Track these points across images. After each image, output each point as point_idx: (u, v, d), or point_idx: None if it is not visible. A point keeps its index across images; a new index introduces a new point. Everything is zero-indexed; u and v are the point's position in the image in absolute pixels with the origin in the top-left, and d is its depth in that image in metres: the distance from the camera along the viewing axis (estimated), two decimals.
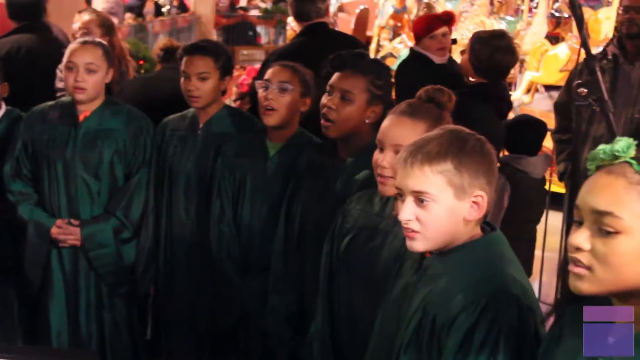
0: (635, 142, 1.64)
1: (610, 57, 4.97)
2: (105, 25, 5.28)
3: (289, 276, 3.50)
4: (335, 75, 3.26)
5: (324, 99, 3.27)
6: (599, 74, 3.01)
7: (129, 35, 8.96)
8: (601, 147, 1.66)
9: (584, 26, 3.12)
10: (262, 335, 3.62)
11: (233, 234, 3.84)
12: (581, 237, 1.65)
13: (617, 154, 1.63)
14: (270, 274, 3.56)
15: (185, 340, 4.11)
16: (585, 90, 3.17)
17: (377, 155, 2.64)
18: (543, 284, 5.87)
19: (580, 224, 1.68)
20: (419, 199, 2.12)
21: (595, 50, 4.90)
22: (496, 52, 4.82)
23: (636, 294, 1.65)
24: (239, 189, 3.83)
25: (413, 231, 2.13)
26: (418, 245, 2.15)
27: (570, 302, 1.88)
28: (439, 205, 2.11)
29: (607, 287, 1.65)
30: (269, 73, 3.73)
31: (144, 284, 4.21)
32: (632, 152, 1.63)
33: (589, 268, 1.65)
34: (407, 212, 2.13)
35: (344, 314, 2.86)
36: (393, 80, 5.65)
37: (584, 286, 1.67)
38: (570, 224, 1.85)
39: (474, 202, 2.12)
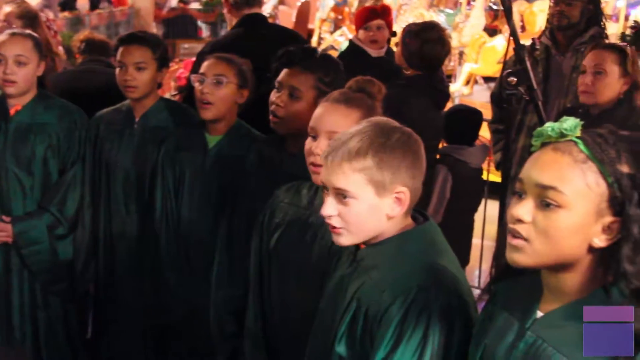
0: (582, 123, 1.68)
1: (538, 47, 5.05)
2: (26, 17, 5.17)
3: (234, 271, 3.46)
4: (284, 72, 3.23)
5: (273, 96, 3.25)
6: (527, 63, 3.05)
7: (65, 28, 8.82)
8: (549, 124, 1.71)
9: (512, 16, 3.16)
10: (208, 331, 3.56)
11: (176, 229, 3.82)
12: (523, 209, 1.69)
13: (564, 132, 1.67)
14: (215, 269, 3.52)
15: (128, 338, 4.08)
16: (515, 79, 3.20)
17: (309, 143, 2.62)
18: (482, 271, 5.95)
19: (520, 196, 1.72)
20: (341, 195, 2.13)
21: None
22: (426, 44, 4.86)
23: (567, 267, 1.70)
24: (178, 184, 3.82)
25: (336, 228, 2.15)
26: (343, 240, 2.17)
27: (501, 279, 1.93)
28: (360, 203, 2.12)
29: (542, 259, 1.70)
30: (204, 66, 3.71)
31: (83, 281, 4.17)
32: (578, 132, 1.67)
33: (526, 240, 1.69)
34: (328, 208, 2.15)
35: (276, 309, 2.86)
36: None
37: (521, 258, 1.71)
38: (503, 212, 1.87)
39: (396, 197, 2.13)
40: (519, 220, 1.70)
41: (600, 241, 1.66)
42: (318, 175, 2.52)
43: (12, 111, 3.97)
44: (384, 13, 5.87)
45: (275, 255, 2.84)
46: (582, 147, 1.65)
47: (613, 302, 1.64)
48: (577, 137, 1.66)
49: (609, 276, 1.66)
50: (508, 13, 3.16)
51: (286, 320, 2.73)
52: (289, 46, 3.34)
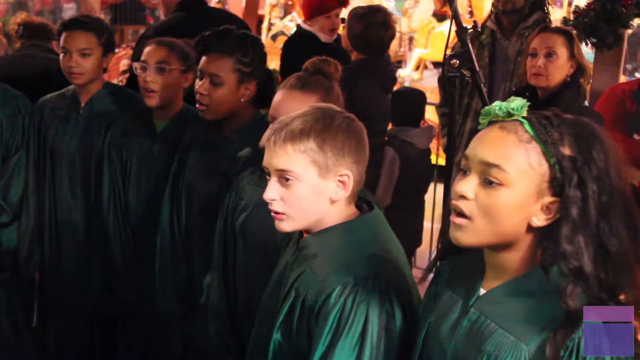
0: (528, 104, 1.71)
1: (481, 30, 5.10)
2: None
3: (177, 255, 3.49)
4: (203, 60, 3.25)
5: (196, 84, 3.27)
6: (470, 45, 3.07)
7: (6, 13, 8.70)
8: (497, 103, 1.73)
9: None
10: (155, 317, 3.59)
11: (124, 216, 3.82)
12: (467, 186, 1.71)
13: (511, 111, 1.70)
14: (158, 254, 3.54)
15: (75, 326, 4.07)
16: (458, 61, 3.22)
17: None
18: (432, 254, 5.97)
19: (465, 172, 1.74)
20: (284, 177, 2.13)
21: None
22: (369, 27, 4.95)
23: (507, 245, 1.73)
24: (125, 170, 3.80)
25: (277, 213, 2.15)
26: (284, 225, 2.17)
27: (445, 257, 1.97)
28: (303, 185, 2.12)
29: (484, 237, 1.72)
30: (145, 53, 3.68)
31: (28, 269, 4.13)
32: (525, 112, 1.69)
33: (469, 218, 1.71)
34: (271, 191, 2.14)
35: (241, 287, 2.88)
36: (281, 54, 5.73)
37: (464, 237, 1.74)
38: (448, 193, 1.89)
39: (339, 181, 2.13)
40: (462, 197, 1.72)
41: (539, 220, 1.68)
42: None
43: None
44: (345, 1, 5.86)
45: (241, 235, 2.86)
46: (527, 127, 1.67)
47: (552, 280, 1.66)
48: (523, 117, 1.69)
49: (547, 255, 1.68)
50: None
51: (251, 300, 2.72)
52: (204, 32, 3.34)
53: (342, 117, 2.17)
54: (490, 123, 1.74)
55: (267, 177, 2.19)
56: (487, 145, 1.71)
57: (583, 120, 1.72)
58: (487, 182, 1.68)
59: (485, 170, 1.68)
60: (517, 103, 1.70)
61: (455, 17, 3.11)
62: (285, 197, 2.13)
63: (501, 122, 1.71)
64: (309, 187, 2.12)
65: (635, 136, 4.38)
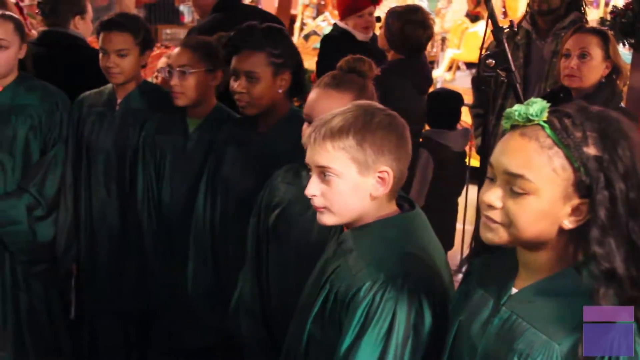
0: (549, 105, 1.68)
1: (517, 30, 5.09)
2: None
3: (210, 251, 3.51)
4: (235, 59, 3.30)
5: (232, 84, 3.31)
6: (505, 45, 3.08)
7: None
8: (517, 107, 1.71)
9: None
10: (187, 313, 3.61)
11: (158, 213, 3.84)
12: (493, 196, 1.71)
13: (530, 117, 1.67)
14: (191, 250, 3.56)
15: (110, 320, 4.10)
16: (493, 61, 3.23)
17: (306, 129, 2.64)
18: (464, 255, 5.97)
19: (492, 180, 1.74)
20: (324, 174, 2.15)
21: None
22: (407, 25, 4.94)
23: (539, 245, 1.73)
24: (160, 167, 3.82)
25: (318, 207, 2.18)
26: (325, 219, 2.20)
27: (478, 255, 1.97)
28: (343, 181, 2.14)
29: (515, 239, 1.72)
30: (171, 56, 3.75)
31: (65, 262, 4.15)
32: (545, 116, 1.67)
33: (500, 224, 1.71)
34: (312, 187, 2.17)
35: (274, 284, 2.90)
36: (319, 52, 5.75)
37: (496, 238, 1.74)
38: None
39: (379, 177, 2.15)
40: (491, 206, 1.72)
41: (570, 223, 1.68)
42: None
43: None
44: (376, 1, 5.93)
45: (274, 232, 2.88)
46: (548, 131, 1.66)
47: (585, 281, 1.66)
48: (544, 121, 1.67)
49: (580, 254, 1.69)
50: None
51: (283, 297, 2.75)
52: (231, 33, 3.39)
53: (383, 114, 2.19)
54: (513, 127, 1.73)
55: (310, 173, 2.21)
56: (510, 155, 1.70)
57: (609, 114, 1.70)
58: (513, 192, 1.68)
59: (510, 180, 1.68)
60: (536, 107, 1.68)
61: (492, 16, 3.12)
62: (325, 193, 2.16)
63: (522, 127, 1.70)
64: (349, 184, 2.14)
65: None
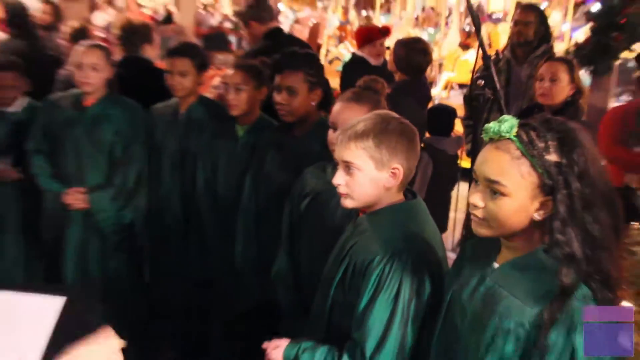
0: (519, 121, 1.71)
1: (501, 58, 5.10)
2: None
3: (253, 232, 3.51)
4: (278, 77, 3.33)
5: (275, 97, 3.33)
6: (492, 69, 3.09)
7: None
8: (492, 124, 1.73)
9: (481, 32, 3.19)
10: (236, 280, 3.63)
11: (214, 203, 3.85)
12: (476, 198, 1.76)
13: (502, 133, 1.70)
14: (238, 231, 3.57)
15: (174, 285, 4.12)
16: (483, 82, 3.26)
17: (331, 134, 2.69)
18: (455, 238, 5.96)
19: (477, 182, 1.77)
20: (348, 167, 2.19)
21: None
22: (411, 52, 4.97)
23: (517, 233, 1.75)
24: (215, 165, 3.84)
25: (342, 193, 2.22)
26: (348, 203, 2.24)
27: (469, 238, 1.98)
28: (363, 174, 2.18)
29: (497, 232, 1.76)
30: (228, 75, 3.77)
31: (141, 239, 4.18)
32: (515, 131, 1.69)
33: (484, 219, 1.75)
34: (338, 178, 2.22)
35: (304, 258, 2.90)
36: (341, 75, 5.76)
37: (482, 231, 1.78)
38: None
39: (392, 172, 2.18)
40: (475, 206, 1.76)
41: (539, 215, 1.71)
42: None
43: (87, 103, 3.99)
44: (386, 33, 5.98)
45: (305, 217, 2.89)
46: (517, 144, 1.68)
47: (551, 260, 1.68)
48: (515, 136, 1.70)
49: (546, 238, 1.71)
50: (478, 29, 3.19)
51: (311, 265, 2.75)
52: (277, 56, 3.43)
53: (397, 122, 2.22)
54: (490, 140, 1.75)
55: (334, 168, 2.25)
56: (488, 165, 1.73)
57: (568, 125, 1.72)
58: (492, 193, 1.72)
59: (490, 185, 1.72)
60: (507, 125, 1.71)
61: (482, 46, 3.12)
62: (348, 183, 2.20)
63: (497, 140, 1.73)
64: (367, 176, 2.18)
65: (635, 149, 4.35)
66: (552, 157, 1.67)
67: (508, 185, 1.69)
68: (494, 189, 1.72)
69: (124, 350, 4.10)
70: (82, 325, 1.58)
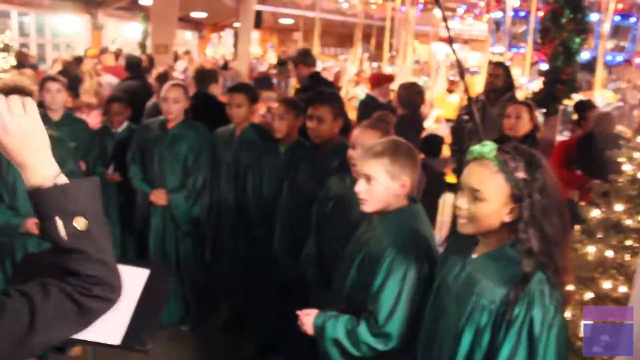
0: (497, 147, 1.71)
1: (478, 101, 5.09)
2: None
3: (287, 226, 3.50)
4: (311, 108, 3.34)
5: (308, 124, 3.34)
6: (474, 108, 3.09)
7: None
8: (476, 147, 1.73)
9: (465, 79, 3.19)
10: (275, 261, 3.61)
11: (260, 204, 3.84)
12: (462, 201, 1.74)
13: (484, 153, 1.70)
14: (277, 224, 3.57)
15: (230, 265, 4.12)
16: (467, 117, 3.26)
17: (350, 152, 2.67)
18: (441, 236, 5.88)
19: (462, 191, 1.76)
20: (367, 179, 2.17)
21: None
22: (411, 93, 5.02)
23: (491, 233, 1.74)
24: (262, 176, 3.84)
25: (363, 199, 2.19)
26: (366, 207, 2.21)
27: (452, 235, 1.97)
28: (379, 184, 2.16)
29: (476, 229, 1.75)
30: (274, 107, 3.77)
31: (204, 228, 4.19)
32: (493, 153, 1.69)
33: (467, 219, 1.74)
34: (360, 186, 2.19)
35: (327, 245, 2.89)
36: (357, 109, 5.77)
37: (464, 229, 1.76)
38: None
39: (402, 184, 2.16)
40: (460, 208, 1.75)
41: (508, 218, 1.70)
42: (355, 168, 2.55)
43: (169, 126, 4.03)
44: (391, 79, 6.13)
45: (329, 215, 2.88)
46: (495, 162, 1.68)
47: (516, 253, 1.68)
48: (494, 156, 1.69)
49: (513, 236, 1.70)
50: (462, 76, 3.20)
51: (333, 252, 2.75)
52: (312, 93, 3.47)
53: (406, 145, 2.21)
54: (474, 159, 1.74)
55: (353, 177, 2.24)
56: (471, 177, 1.72)
57: (532, 151, 1.72)
58: (474, 199, 1.71)
59: (472, 192, 1.71)
60: (488, 148, 1.71)
61: (467, 91, 3.14)
62: (368, 191, 2.17)
63: (479, 159, 1.72)
64: (383, 186, 2.16)
65: (577, 172, 4.36)
66: (520, 174, 1.67)
67: (486, 192, 1.68)
68: (475, 196, 1.71)
69: (189, 310, 4.10)
70: (161, 290, 1.58)
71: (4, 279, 3.35)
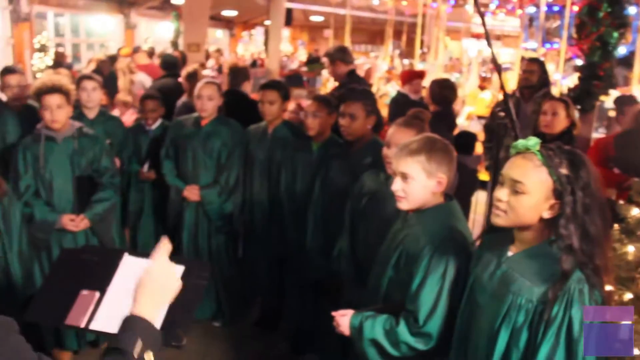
0: (540, 141, 1.70)
1: (513, 97, 5.04)
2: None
3: (320, 222, 3.50)
4: (343, 105, 3.32)
5: (340, 121, 3.33)
6: (511, 104, 3.04)
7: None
8: (520, 141, 1.73)
9: (502, 75, 3.15)
10: (307, 258, 3.59)
11: (293, 200, 3.83)
12: (502, 193, 1.73)
13: (529, 147, 1.70)
14: (310, 221, 3.55)
15: (262, 260, 4.14)
16: (503, 113, 3.20)
17: (385, 150, 2.65)
18: (474, 233, 5.81)
19: (502, 184, 1.74)
20: (404, 177, 2.15)
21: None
22: (444, 89, 4.97)
23: (527, 227, 1.73)
24: (294, 172, 3.83)
25: (399, 197, 2.17)
26: (403, 205, 2.19)
27: (488, 232, 1.94)
28: (416, 182, 2.14)
29: (512, 223, 1.73)
30: (308, 105, 3.76)
31: (237, 224, 4.20)
32: (538, 147, 1.69)
33: (504, 212, 1.72)
34: (396, 185, 2.17)
35: (361, 241, 2.88)
36: (389, 107, 5.76)
37: (499, 221, 1.75)
38: (491, 195, 1.91)
39: (438, 181, 2.14)
40: (499, 200, 1.73)
41: (547, 214, 1.68)
42: (390, 166, 2.55)
43: (202, 124, 4.05)
44: (422, 76, 6.05)
45: (363, 211, 2.86)
46: (539, 157, 1.67)
47: (554, 251, 1.66)
48: (537, 150, 1.68)
49: (551, 234, 1.68)
50: (499, 73, 3.16)
51: (367, 250, 2.73)
52: (345, 90, 3.42)
53: (442, 142, 2.18)
54: (517, 153, 1.73)
55: (394, 175, 2.22)
56: (514, 169, 1.71)
57: (575, 150, 1.71)
58: (515, 191, 1.69)
59: (513, 184, 1.69)
60: (533, 142, 1.70)
61: (503, 87, 3.09)
62: (404, 189, 2.15)
63: (523, 153, 1.71)
64: (419, 184, 2.14)
65: (615, 170, 4.28)
66: (564, 170, 1.65)
67: (528, 185, 1.67)
68: (516, 188, 1.69)
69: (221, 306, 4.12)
70: (197, 286, 1.59)
71: (41, 274, 3.43)
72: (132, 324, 1.33)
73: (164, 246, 1.48)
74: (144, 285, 1.40)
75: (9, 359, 1.04)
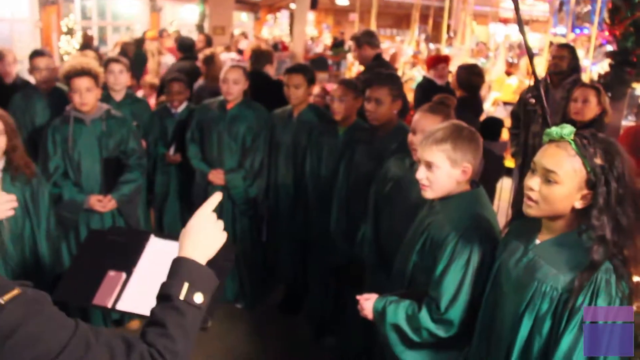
0: (574, 130, 1.68)
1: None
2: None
3: (344, 206, 3.50)
4: (369, 90, 3.28)
5: (366, 105, 3.29)
6: (542, 90, 3.00)
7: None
8: (554, 129, 1.70)
9: (534, 61, 3.11)
10: (330, 242, 3.60)
11: (318, 184, 3.83)
12: (534, 182, 1.71)
13: (563, 135, 1.67)
14: (334, 205, 3.55)
15: (286, 244, 4.17)
16: (534, 100, 3.16)
17: (411, 137, 2.63)
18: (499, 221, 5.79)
19: (534, 172, 1.73)
20: (429, 165, 2.14)
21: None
22: (470, 75, 4.91)
23: (558, 217, 1.72)
24: (320, 156, 3.83)
25: (424, 185, 2.16)
26: (427, 194, 2.18)
27: (515, 219, 1.93)
28: (441, 171, 2.12)
29: (544, 213, 1.72)
30: (334, 89, 3.74)
31: (261, 208, 4.22)
32: (572, 136, 1.66)
33: (536, 202, 1.70)
34: (420, 173, 2.16)
35: (385, 227, 2.88)
36: (414, 92, 5.71)
37: (531, 211, 1.73)
38: (521, 182, 1.89)
39: (463, 170, 2.12)
40: (531, 189, 1.71)
41: (579, 204, 1.67)
42: (415, 153, 2.53)
43: (228, 107, 4.05)
44: (447, 60, 5.94)
45: (387, 197, 2.85)
46: (573, 146, 1.65)
47: (583, 241, 1.65)
48: (572, 140, 1.66)
49: (582, 225, 1.67)
50: (531, 58, 3.10)
51: (391, 234, 2.74)
52: (370, 74, 3.35)
53: (468, 130, 2.16)
54: (550, 140, 1.71)
55: (411, 160, 2.21)
56: (547, 158, 1.68)
57: (610, 139, 1.68)
58: (547, 181, 1.67)
59: (546, 173, 1.68)
60: (567, 130, 1.67)
61: (534, 72, 3.05)
62: (429, 178, 2.14)
63: (557, 141, 1.68)
64: (444, 172, 2.13)
65: None
66: (598, 160, 1.63)
67: (561, 175, 1.65)
68: (548, 177, 1.67)
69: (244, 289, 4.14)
70: (222, 268, 1.61)
71: (68, 254, 3.49)
72: (178, 267, 1.31)
73: (216, 197, 1.49)
74: (191, 231, 1.40)
75: (49, 328, 1.07)
